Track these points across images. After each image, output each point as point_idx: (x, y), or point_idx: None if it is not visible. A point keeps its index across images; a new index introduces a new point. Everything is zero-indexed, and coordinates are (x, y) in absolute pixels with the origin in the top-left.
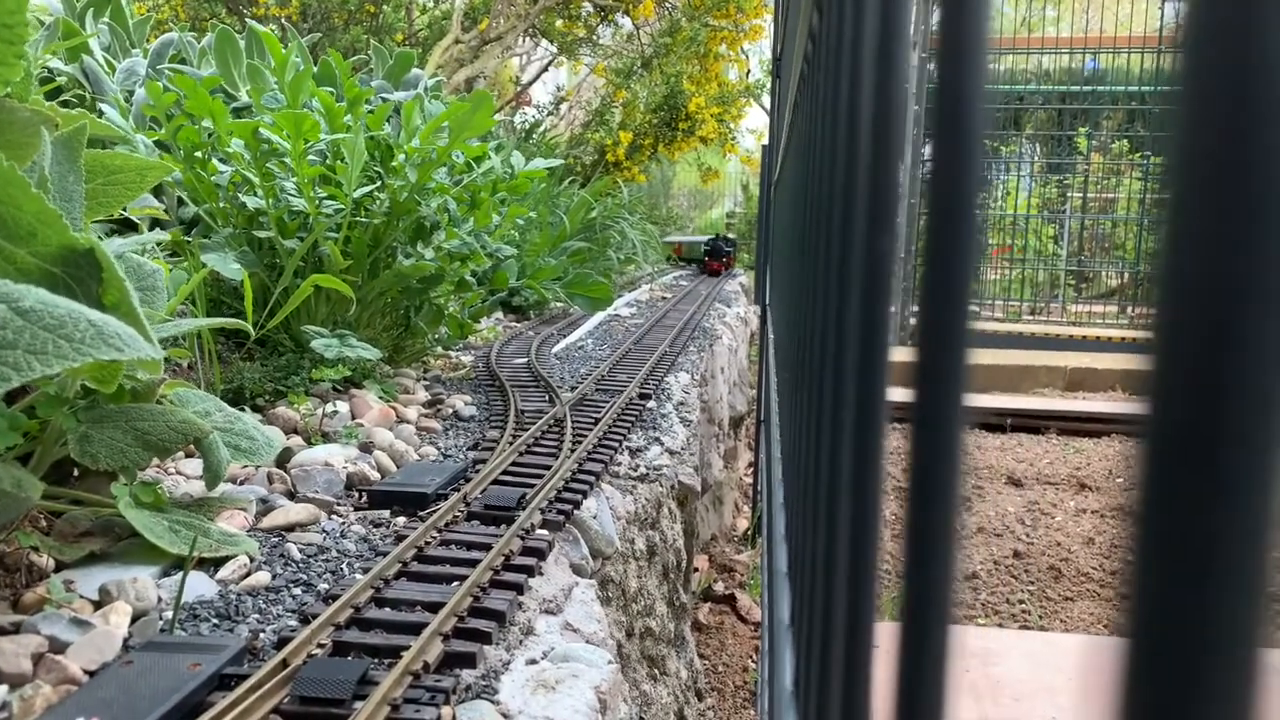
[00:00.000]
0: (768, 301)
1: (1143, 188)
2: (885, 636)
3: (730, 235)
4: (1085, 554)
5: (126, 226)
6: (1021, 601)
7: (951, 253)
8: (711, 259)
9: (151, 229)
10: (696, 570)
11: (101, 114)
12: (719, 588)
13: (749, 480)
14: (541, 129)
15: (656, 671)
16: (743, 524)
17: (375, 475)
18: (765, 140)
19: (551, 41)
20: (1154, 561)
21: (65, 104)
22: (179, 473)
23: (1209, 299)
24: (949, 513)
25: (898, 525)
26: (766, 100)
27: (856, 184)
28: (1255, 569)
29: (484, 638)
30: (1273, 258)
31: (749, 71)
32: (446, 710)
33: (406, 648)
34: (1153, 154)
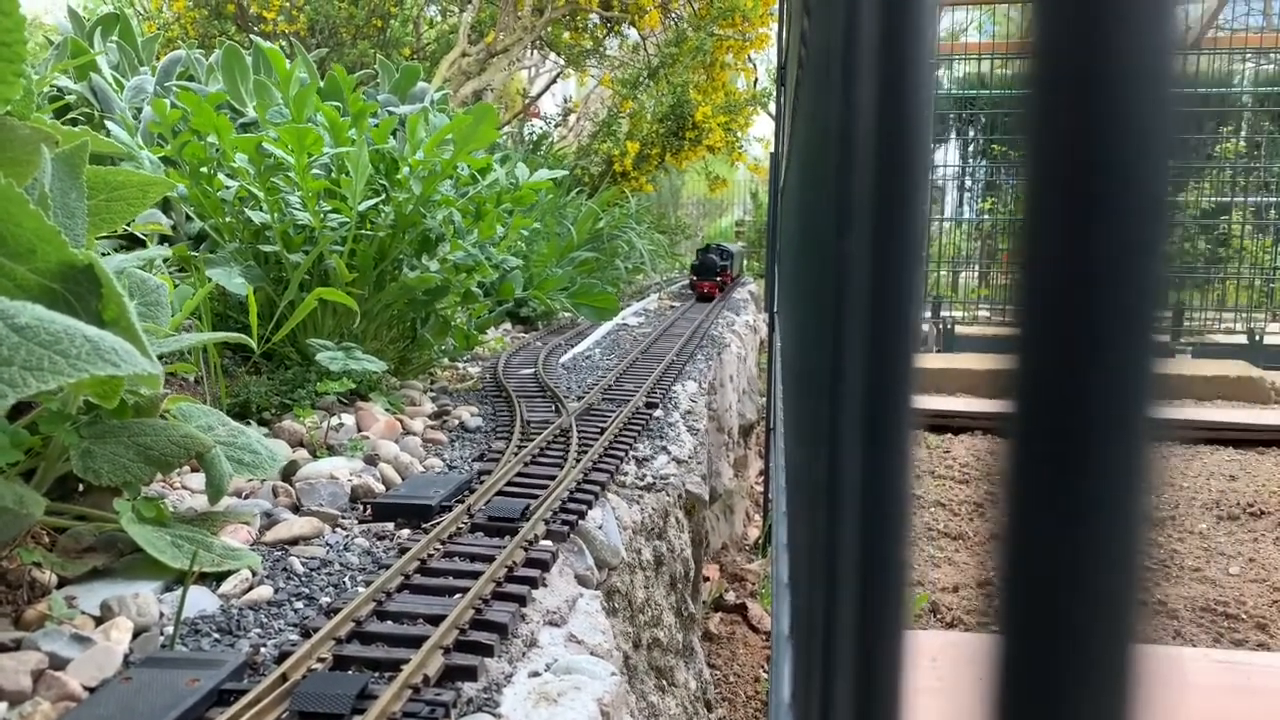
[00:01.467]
0: (775, 309)
1: None
2: (925, 646)
3: (729, 244)
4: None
5: (135, 243)
6: None
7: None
8: (701, 277)
9: (160, 245)
10: (707, 580)
11: (108, 131)
12: (730, 597)
13: (760, 489)
14: (549, 141)
15: (665, 682)
16: (754, 533)
17: (380, 488)
18: (772, 148)
19: (558, 54)
20: (1023, 558)
21: (74, 122)
22: (184, 487)
23: (1067, 299)
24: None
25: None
26: (774, 107)
27: (858, 187)
28: (1127, 565)
29: (485, 650)
30: (1125, 259)
31: (756, 80)
32: None
33: (407, 661)
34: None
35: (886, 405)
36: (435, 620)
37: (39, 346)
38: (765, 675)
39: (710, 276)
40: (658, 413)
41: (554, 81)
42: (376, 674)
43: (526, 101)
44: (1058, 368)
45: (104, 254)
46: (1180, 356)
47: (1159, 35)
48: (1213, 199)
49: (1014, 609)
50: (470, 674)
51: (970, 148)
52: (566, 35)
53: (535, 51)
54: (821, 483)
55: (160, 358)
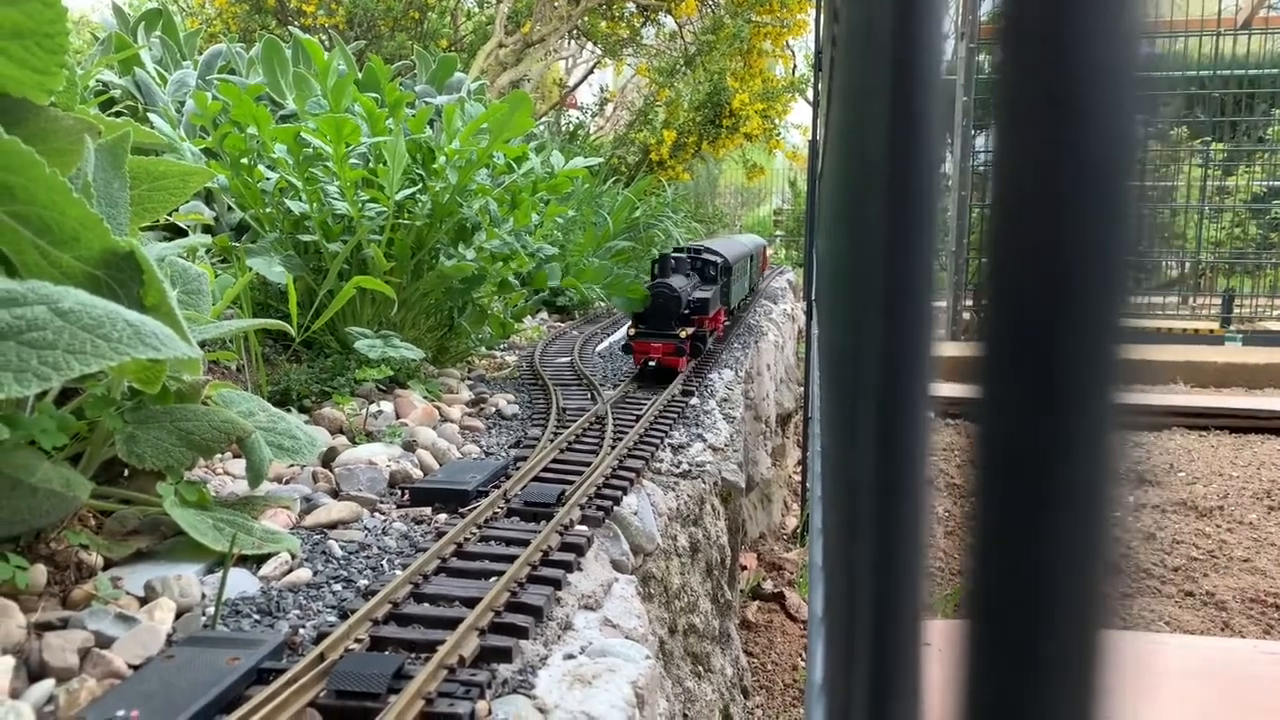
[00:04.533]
0: (813, 297)
1: (1203, 175)
2: (939, 635)
3: (725, 244)
4: (1143, 550)
5: (178, 233)
6: None
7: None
8: (645, 330)
9: (202, 235)
10: (745, 568)
11: (150, 124)
12: (768, 586)
13: (798, 478)
14: (585, 130)
15: (700, 668)
16: (792, 522)
17: (418, 473)
18: (811, 135)
19: (595, 43)
20: (993, 545)
21: (118, 115)
22: (226, 472)
23: (1035, 287)
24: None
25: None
26: (812, 94)
27: (879, 174)
28: (1096, 552)
29: (520, 632)
30: (1092, 247)
31: (794, 66)
32: (482, 705)
33: (442, 642)
34: (1214, 140)
35: (901, 392)
36: (471, 603)
37: (82, 330)
38: (803, 664)
39: (665, 329)
40: (694, 400)
41: (591, 71)
42: (413, 655)
43: (563, 92)
44: (1025, 355)
45: (146, 242)
46: (1230, 344)
47: (1124, 23)
48: (1264, 183)
49: (984, 595)
50: (505, 655)
51: None
52: (603, 24)
53: (572, 41)
54: (844, 469)
55: (202, 345)
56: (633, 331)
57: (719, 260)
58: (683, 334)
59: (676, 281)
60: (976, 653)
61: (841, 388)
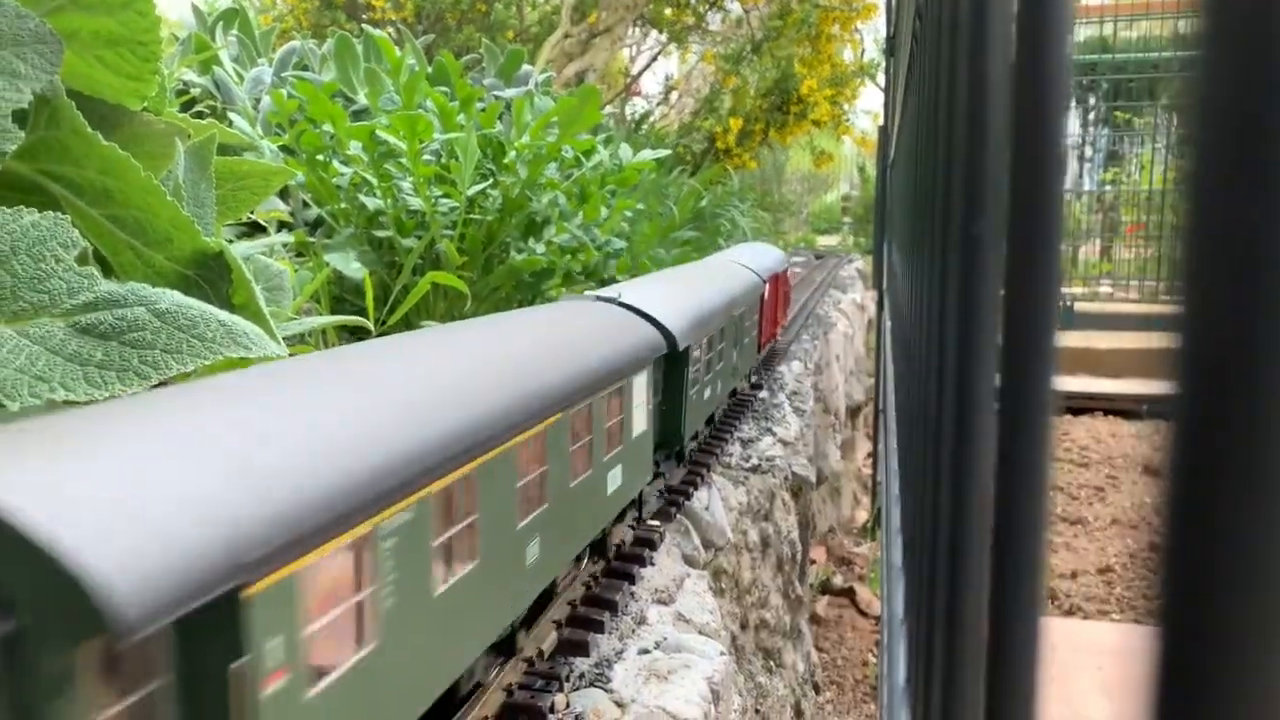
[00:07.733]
0: (884, 287)
1: None
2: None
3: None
4: None
5: (255, 229)
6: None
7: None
8: None
9: (279, 231)
10: (814, 563)
11: (231, 123)
12: (838, 580)
13: (868, 471)
14: (651, 119)
15: (772, 664)
16: (862, 516)
17: None
18: (881, 121)
19: (661, 30)
20: (1190, 551)
21: (198, 114)
22: None
23: (1235, 291)
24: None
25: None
26: (883, 79)
27: (991, 164)
28: None
29: (596, 626)
30: None
31: (863, 51)
32: (560, 698)
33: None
34: None
35: (1024, 387)
36: (547, 596)
37: (178, 330)
38: (874, 659)
39: None
40: (763, 393)
41: (655, 59)
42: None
43: (628, 80)
44: (1229, 349)
45: (230, 241)
46: None
47: None
48: None
49: (1177, 605)
50: (582, 649)
51: (1091, 115)
52: (669, 11)
53: (637, 29)
54: (946, 466)
55: (284, 340)
56: None
57: None
58: None
59: None
60: (1170, 665)
61: (940, 382)
